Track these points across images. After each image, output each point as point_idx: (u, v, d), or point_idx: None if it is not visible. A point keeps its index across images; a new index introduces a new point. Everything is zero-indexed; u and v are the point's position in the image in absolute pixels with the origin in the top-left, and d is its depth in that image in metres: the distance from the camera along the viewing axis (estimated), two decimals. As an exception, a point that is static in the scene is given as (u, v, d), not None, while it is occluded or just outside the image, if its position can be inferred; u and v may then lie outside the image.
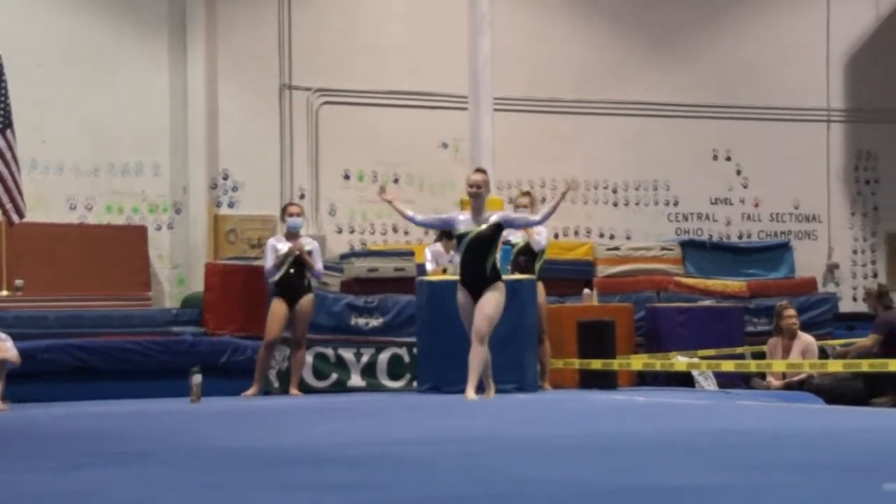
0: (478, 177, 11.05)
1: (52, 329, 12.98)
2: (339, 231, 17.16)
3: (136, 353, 12.88)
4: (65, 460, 5.91)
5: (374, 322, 13.65)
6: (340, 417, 9.21)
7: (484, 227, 10.72)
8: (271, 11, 16.99)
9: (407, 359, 13.46)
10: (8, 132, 13.89)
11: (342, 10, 17.30)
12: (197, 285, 14.95)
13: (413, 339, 13.08)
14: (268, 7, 16.97)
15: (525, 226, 11.57)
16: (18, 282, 13.96)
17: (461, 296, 10.84)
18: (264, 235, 15.32)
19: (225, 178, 16.61)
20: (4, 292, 13.66)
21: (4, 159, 13.85)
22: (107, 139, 16.03)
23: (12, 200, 13.87)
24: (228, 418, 9.31)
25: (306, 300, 12.67)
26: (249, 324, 13.15)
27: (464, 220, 10.85)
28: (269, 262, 12.73)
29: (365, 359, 13.50)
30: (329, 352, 13.40)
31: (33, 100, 14.85)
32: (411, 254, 14.74)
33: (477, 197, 10.88)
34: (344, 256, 15.06)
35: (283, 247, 12.70)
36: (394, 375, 13.50)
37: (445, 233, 13.28)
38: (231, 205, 16.62)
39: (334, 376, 13.39)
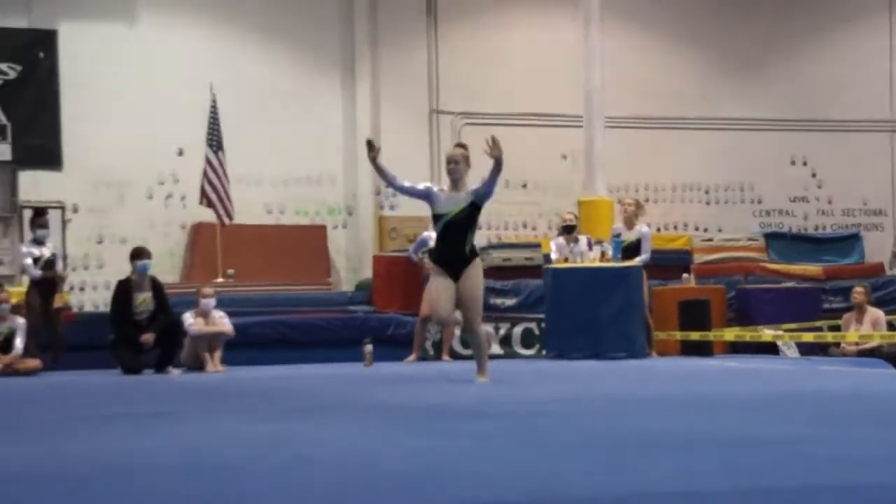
0: (454, 151, 8.61)
1: (257, 308, 13.29)
2: (479, 228, 17.21)
3: (321, 328, 13.15)
4: (269, 412, 6.04)
5: (510, 302, 13.73)
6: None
7: (461, 207, 8.30)
8: (422, 50, 17.18)
9: (537, 332, 13.52)
10: (220, 153, 14.35)
11: (479, 48, 17.42)
12: (367, 273, 15.18)
13: (541, 316, 13.14)
14: (419, 47, 17.16)
15: (489, 187, 8.41)
16: (230, 271, 14.34)
17: (436, 274, 8.53)
18: (419, 231, 15.44)
19: (387, 186, 16.81)
20: (220, 279, 14.01)
21: (217, 174, 14.28)
22: (294, 157, 16.35)
23: (224, 207, 14.30)
24: (394, 379, 9.38)
25: (455, 284, 12.80)
26: (409, 303, 13.31)
27: (443, 199, 8.40)
28: (413, 247, 13.11)
29: (502, 332, 13.60)
30: (473, 326, 13.51)
31: (238, 127, 15.18)
32: (538, 246, 14.78)
33: (453, 173, 8.44)
34: (484, 249, 15.12)
35: (430, 234, 12.84)
36: (526, 345, 13.58)
37: (567, 228, 13.25)
38: (392, 207, 16.81)
39: (478, 346, 13.51)
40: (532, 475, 3.28)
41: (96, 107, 15.53)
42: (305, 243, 15.92)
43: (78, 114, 15.45)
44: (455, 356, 12.99)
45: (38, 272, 12.13)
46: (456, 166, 8.41)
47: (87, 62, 15.62)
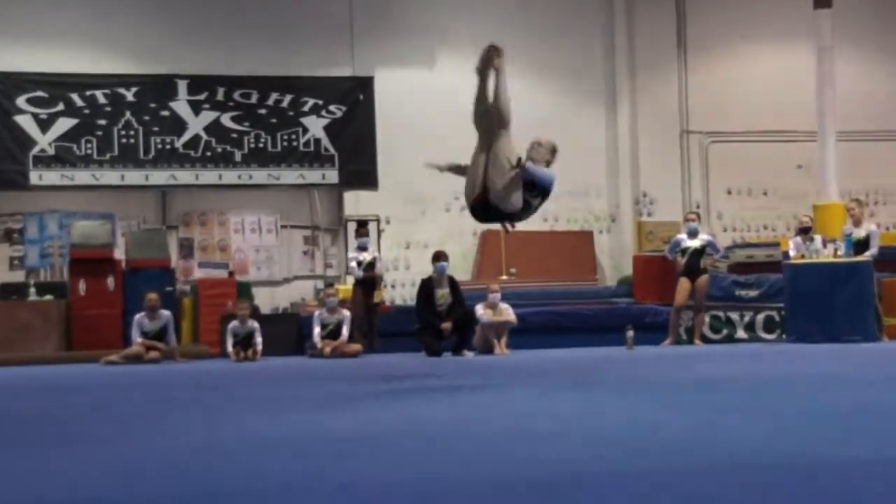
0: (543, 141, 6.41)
1: (535, 300, 13.45)
2: (725, 230, 16.97)
3: (589, 316, 13.22)
4: (551, 385, 6.13)
5: (753, 293, 13.41)
6: (728, 361, 8.89)
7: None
8: (673, 78, 17.04)
9: (777, 319, 13.16)
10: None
11: (722, 74, 17.12)
12: (628, 270, 15.16)
13: (781, 305, 12.79)
14: (671, 75, 17.03)
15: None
16: (513, 270, 14.67)
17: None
18: (672, 234, 15.30)
19: (644, 196, 16.79)
20: (504, 277, 14.35)
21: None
22: (565, 173, 15.59)
23: (508, 217, 14.65)
24: (652, 360, 9.30)
25: (704, 278, 12.63)
26: (664, 295, 13.20)
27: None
28: (668, 247, 12.84)
29: (747, 319, 13.31)
30: (721, 314, 13.29)
31: (519, 149, 15.47)
32: (777, 245, 14.37)
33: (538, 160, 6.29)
34: (729, 248, 14.89)
35: (683, 236, 12.71)
36: (768, 330, 13.25)
37: (804, 229, 12.94)
38: (649, 214, 16.75)
39: (725, 331, 13.29)
40: (790, 440, 3.18)
41: (404, 137, 16.13)
42: (575, 246, 16.03)
43: (390, 144, 16.05)
44: (706, 341, 12.85)
45: (360, 273, 12.83)
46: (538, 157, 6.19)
47: (398, 101, 16.23)
